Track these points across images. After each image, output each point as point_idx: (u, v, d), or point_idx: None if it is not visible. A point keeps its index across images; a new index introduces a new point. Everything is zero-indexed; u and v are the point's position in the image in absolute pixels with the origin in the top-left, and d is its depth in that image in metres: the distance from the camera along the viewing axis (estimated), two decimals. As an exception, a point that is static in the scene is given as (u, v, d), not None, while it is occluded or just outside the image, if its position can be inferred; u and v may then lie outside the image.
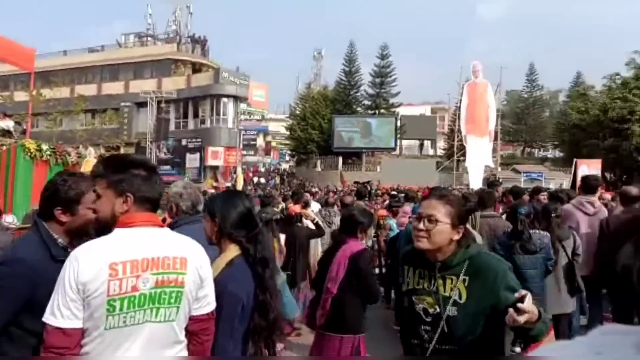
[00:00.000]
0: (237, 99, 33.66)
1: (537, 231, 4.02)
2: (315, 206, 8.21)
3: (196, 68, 35.51)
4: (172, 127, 31.95)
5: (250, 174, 38.16)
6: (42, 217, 1.83)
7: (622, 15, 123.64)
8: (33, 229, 1.85)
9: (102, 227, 1.60)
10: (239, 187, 28.13)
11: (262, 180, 40.73)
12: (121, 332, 1.44)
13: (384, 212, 7.57)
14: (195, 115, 33.46)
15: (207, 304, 1.66)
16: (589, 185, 5.14)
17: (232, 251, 1.92)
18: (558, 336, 4.50)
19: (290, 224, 5.88)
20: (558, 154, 42.82)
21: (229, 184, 31.59)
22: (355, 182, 22.15)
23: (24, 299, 1.61)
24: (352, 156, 39.16)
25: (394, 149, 40.09)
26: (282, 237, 5.64)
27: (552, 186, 27.95)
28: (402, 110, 42.06)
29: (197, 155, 32.17)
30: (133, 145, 32.06)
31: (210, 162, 32.11)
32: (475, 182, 28.37)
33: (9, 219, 5.15)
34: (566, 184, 23.71)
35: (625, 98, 22.51)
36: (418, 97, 75.53)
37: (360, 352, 3.15)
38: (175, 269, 1.53)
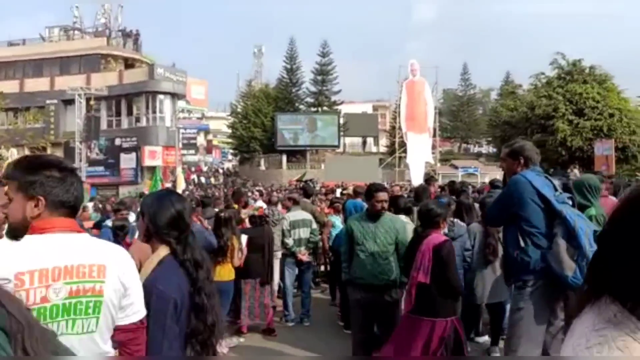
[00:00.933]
0: (174, 96, 32.37)
1: (457, 220, 4.40)
2: (259, 204, 8.01)
3: (128, 63, 33.78)
4: (103, 125, 30.11)
5: (193, 174, 37.05)
6: None
7: (546, 16, 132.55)
8: None
9: (19, 233, 1.49)
10: (180, 187, 27.10)
11: (203, 179, 39.74)
12: None
13: (330, 210, 7.51)
14: (130, 113, 31.80)
15: (134, 313, 1.57)
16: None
17: (163, 251, 1.86)
18: (494, 323, 4.63)
19: (255, 224, 5.78)
20: (491, 149, 45.14)
21: (168, 185, 30.42)
22: (298, 180, 22.07)
23: None
24: (296, 154, 39.09)
25: (337, 146, 40.43)
26: (244, 237, 5.37)
27: (487, 180, 29.36)
28: (344, 108, 42.54)
29: (133, 155, 30.59)
30: (61, 146, 29.95)
31: (148, 162, 30.63)
32: (417, 178, 29.17)
33: None
34: (499, 177, 25.01)
35: (550, 96, 24.04)
36: (359, 95, 76.86)
37: (459, 333, 3.30)
38: (92, 277, 1.46)
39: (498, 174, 29.22)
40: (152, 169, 31.33)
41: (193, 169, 40.53)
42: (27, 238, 1.44)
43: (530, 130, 24.33)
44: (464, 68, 47.94)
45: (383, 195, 3.81)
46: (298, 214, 6.08)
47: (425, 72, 34.95)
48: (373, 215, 3.82)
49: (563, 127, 22.80)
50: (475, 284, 4.44)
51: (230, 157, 51.11)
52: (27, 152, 23.28)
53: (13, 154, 10.94)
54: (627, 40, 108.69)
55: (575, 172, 17.83)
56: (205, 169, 46.18)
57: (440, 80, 38.98)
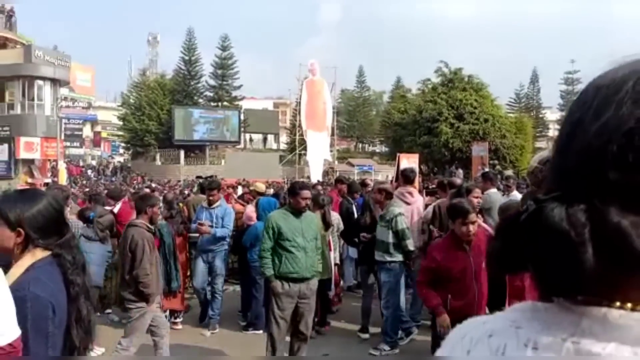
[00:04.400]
0: (55, 82, 29.22)
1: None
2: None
3: (0, 43, 29.89)
4: (-32, 111, 26.41)
5: (81, 169, 33.95)
6: None
7: (434, 24, 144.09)
8: None
9: None
10: (62, 182, 24.77)
11: (90, 173, 36.67)
12: None
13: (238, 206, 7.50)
14: (1, 100, 28.15)
15: (2, 335, 1.38)
16: (407, 177, 5.92)
17: (31, 257, 1.64)
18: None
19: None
20: (384, 148, 48.01)
21: (48, 180, 27.56)
22: (198, 177, 21.47)
23: None
24: (195, 149, 37.85)
25: (238, 142, 39.96)
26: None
27: (380, 177, 31.31)
28: (245, 104, 42.13)
29: (6, 146, 27.16)
30: None
31: (24, 154, 27.39)
32: (316, 174, 29.99)
33: None
34: (391, 175, 26.82)
35: (435, 101, 26.41)
36: (260, 91, 76.48)
37: None
38: None
39: (390, 172, 31.32)
40: (29, 162, 28.16)
41: (81, 162, 37.17)
42: None
43: (419, 132, 26.50)
44: (359, 70, 50.42)
45: (307, 193, 4.04)
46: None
47: (325, 71, 36.07)
48: (296, 212, 4.01)
49: (446, 130, 25.23)
50: None
51: (121, 150, 47.67)
52: None
53: None
54: (500, 50, 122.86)
55: (459, 172, 19.98)
56: (94, 162, 42.61)
57: (339, 80, 40.54)
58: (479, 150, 21.90)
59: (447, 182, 5.87)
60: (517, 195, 5.90)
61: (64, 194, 5.11)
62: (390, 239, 4.76)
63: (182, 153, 35.90)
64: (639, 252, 0.38)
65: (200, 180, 11.95)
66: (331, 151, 35.86)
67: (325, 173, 32.68)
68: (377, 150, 48.51)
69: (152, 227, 4.15)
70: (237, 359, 4.70)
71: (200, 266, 5.72)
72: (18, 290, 1.46)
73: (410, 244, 4.78)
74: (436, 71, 28.62)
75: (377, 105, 53.15)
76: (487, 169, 19.46)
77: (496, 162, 24.62)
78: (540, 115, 50.84)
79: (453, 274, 3.29)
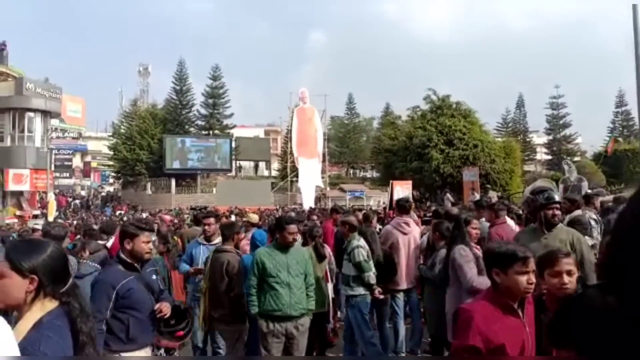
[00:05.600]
0: (46, 113, 29.26)
1: None
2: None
3: (-8, 76, 29.98)
4: (-43, 144, 26.18)
5: (69, 199, 33.56)
6: None
7: (419, 55, 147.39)
8: None
9: None
10: (51, 215, 24.45)
11: (78, 202, 36.18)
12: None
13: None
14: (-9, 132, 28.01)
15: None
16: (402, 207, 5.94)
17: (40, 309, 1.61)
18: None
19: None
20: (375, 174, 48.22)
21: (37, 212, 27.21)
22: (192, 208, 21.34)
23: None
24: (186, 178, 37.73)
25: (229, 170, 39.95)
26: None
27: (372, 202, 31.39)
28: (236, 132, 42.37)
29: (-6, 178, 26.87)
30: None
31: (12, 186, 27.10)
32: (308, 201, 29.98)
33: None
34: (383, 201, 26.85)
35: (425, 127, 26.78)
36: (251, 119, 77.02)
37: None
38: None
39: (381, 197, 31.41)
40: (18, 194, 27.81)
41: (70, 191, 36.78)
42: None
43: (409, 158, 26.74)
44: (349, 97, 51.13)
45: (294, 228, 3.97)
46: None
47: (315, 99, 36.58)
48: (283, 247, 3.97)
49: (436, 155, 25.50)
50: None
51: (111, 180, 47.32)
52: None
53: None
54: (486, 76, 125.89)
55: (448, 196, 20.10)
56: (83, 193, 42.17)
57: (329, 107, 41.11)
58: (469, 175, 22.08)
59: (443, 212, 5.88)
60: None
61: (65, 230, 5.06)
62: (352, 271, 4.74)
63: (173, 182, 35.75)
64: None
65: (195, 212, 11.82)
66: (323, 177, 35.98)
67: (318, 199, 32.69)
68: (369, 176, 48.74)
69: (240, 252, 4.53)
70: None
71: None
72: (28, 349, 1.44)
73: (370, 277, 4.71)
74: (425, 98, 29.17)
75: (367, 132, 53.71)
76: (477, 195, 19.70)
77: (489, 186, 24.81)
78: (527, 139, 51.64)
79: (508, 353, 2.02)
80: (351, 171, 50.38)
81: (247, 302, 3.99)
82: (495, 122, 51.07)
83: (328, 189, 37.19)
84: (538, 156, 53.86)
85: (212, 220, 5.16)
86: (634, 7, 10.04)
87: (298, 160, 33.68)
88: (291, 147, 35.23)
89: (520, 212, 7.05)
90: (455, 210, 5.80)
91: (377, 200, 31.93)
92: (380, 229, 6.97)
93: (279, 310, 3.83)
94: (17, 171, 27.01)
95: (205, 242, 5.11)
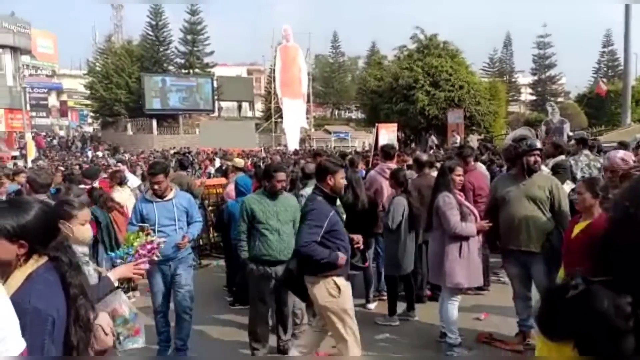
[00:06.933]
0: (15, 50, 27.89)
1: None
2: (134, 181, 7.55)
3: (-47, 8, 27.98)
4: None
5: (48, 139, 32.76)
6: None
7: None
8: None
9: None
10: (31, 156, 23.95)
11: (55, 142, 35.40)
12: None
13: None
14: (-43, 70, 26.66)
15: (8, 349, 1.36)
16: (387, 153, 5.96)
17: (29, 265, 1.64)
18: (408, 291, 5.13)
19: None
20: (360, 115, 47.90)
21: (15, 153, 26.61)
22: (176, 153, 21.05)
23: None
24: (168, 118, 36.91)
25: (212, 110, 39.15)
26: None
27: (357, 144, 31.41)
28: (217, 71, 41.06)
29: (-34, 119, 25.96)
30: None
31: (-13, 127, 26.31)
32: (293, 142, 29.86)
33: None
34: (368, 142, 26.85)
35: (411, 68, 26.23)
36: (233, 57, 74.30)
37: None
38: None
39: (366, 139, 31.39)
40: (-7, 135, 27.02)
41: (46, 133, 35.84)
42: None
43: (395, 99, 26.40)
44: (334, 36, 49.50)
45: (282, 176, 3.98)
46: None
47: (298, 37, 35.32)
48: (272, 194, 4.00)
49: (422, 97, 25.19)
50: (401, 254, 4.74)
51: (90, 120, 46.10)
52: None
53: None
54: (472, 16, 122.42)
55: (432, 139, 20.18)
56: (62, 133, 41.16)
57: (313, 46, 39.87)
58: (454, 117, 22.05)
59: (414, 159, 5.90)
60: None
61: (51, 178, 4.95)
62: None
63: (154, 122, 34.99)
64: None
65: (179, 157, 11.64)
66: (307, 118, 35.59)
67: (302, 140, 32.52)
68: (354, 117, 48.43)
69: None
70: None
71: (159, 282, 4.10)
72: (19, 303, 1.46)
73: None
74: (412, 37, 28.32)
75: (352, 71, 52.66)
76: (458, 137, 19.75)
77: (473, 128, 24.88)
78: (513, 80, 51.36)
79: None
80: (336, 112, 49.90)
81: (237, 247, 4.10)
82: (482, 63, 50.46)
83: (313, 130, 36.97)
84: (522, 97, 53.88)
85: (161, 177, 4.05)
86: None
87: (282, 101, 33.08)
88: (275, 87, 34.46)
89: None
90: (424, 156, 5.83)
91: (361, 142, 31.94)
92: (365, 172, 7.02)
93: (268, 255, 3.95)
94: (-10, 111, 26.05)
95: (156, 199, 4.09)
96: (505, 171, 5.14)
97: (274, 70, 35.33)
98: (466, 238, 3.98)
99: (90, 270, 2.48)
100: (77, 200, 2.63)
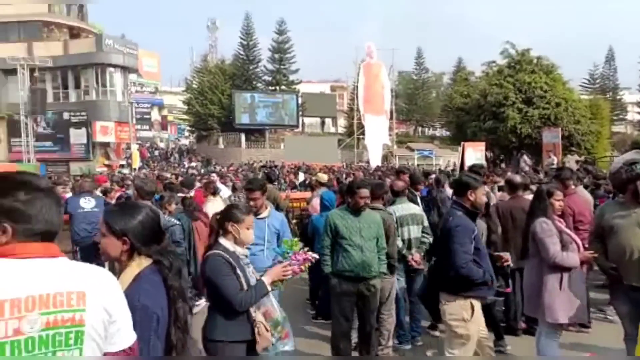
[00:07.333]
0: (125, 69, 30.95)
1: None
2: (225, 192, 7.98)
3: (74, 33, 31.81)
4: (50, 98, 28.43)
5: (148, 153, 35.92)
6: None
7: (496, 8, 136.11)
8: None
9: None
10: (135, 165, 26.36)
11: (157, 154, 38.43)
12: None
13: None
14: (77, 86, 30.10)
15: (122, 340, 1.46)
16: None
17: (137, 265, 1.82)
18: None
19: None
20: (445, 132, 46.57)
21: (122, 162, 29.42)
22: (263, 166, 21.96)
23: None
24: (255, 133, 38.71)
25: (296, 126, 40.36)
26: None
27: (442, 162, 30.51)
28: (302, 88, 42.38)
29: (84, 130, 29.20)
30: (4, 120, 28.13)
31: (100, 138, 29.38)
32: (375, 159, 29.79)
33: None
34: (453, 161, 25.95)
35: (501, 85, 25.10)
36: (316, 74, 76.35)
37: None
38: (71, 306, 1.33)
39: (451, 157, 30.42)
40: (105, 145, 30.17)
41: (147, 145, 39.26)
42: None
43: (483, 117, 25.38)
44: (418, 52, 48.84)
45: (365, 192, 3.97)
46: (406, 208, 4.78)
47: (382, 54, 35.39)
48: (355, 210, 4.00)
49: (513, 115, 23.96)
50: None
51: (187, 133, 49.80)
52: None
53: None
54: (569, 30, 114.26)
55: (525, 159, 18.99)
56: (162, 145, 44.88)
57: (396, 62, 39.73)
58: (550, 136, 20.58)
59: (506, 181, 5.49)
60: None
61: (155, 186, 5.42)
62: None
63: (243, 136, 36.88)
64: None
65: (266, 170, 12.10)
66: (390, 135, 35.34)
67: (384, 157, 32.32)
68: (438, 134, 47.23)
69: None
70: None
71: None
72: (129, 300, 1.56)
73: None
74: (502, 53, 27.16)
75: (437, 88, 51.53)
76: (555, 158, 18.33)
77: (573, 149, 23.04)
78: (618, 98, 46.97)
79: None
80: (419, 129, 49.01)
81: (320, 261, 4.04)
82: (581, 79, 46.81)
83: (395, 147, 36.58)
84: (629, 116, 49.00)
85: (257, 194, 4.00)
86: None
87: (364, 117, 33.23)
88: (357, 104, 34.75)
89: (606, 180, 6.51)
90: (518, 178, 5.40)
91: (446, 160, 30.98)
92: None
93: (350, 272, 3.93)
94: (103, 123, 29.17)
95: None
96: (612, 197, 4.70)
97: (357, 86, 35.68)
98: (567, 269, 3.66)
99: (250, 272, 2.72)
100: (245, 207, 2.88)
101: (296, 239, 3.17)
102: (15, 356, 1.26)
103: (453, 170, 14.35)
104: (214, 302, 2.71)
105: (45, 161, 26.06)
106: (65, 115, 29.21)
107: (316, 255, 3.18)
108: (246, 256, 2.75)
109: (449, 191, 7.14)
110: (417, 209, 4.90)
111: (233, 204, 3.06)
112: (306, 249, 3.10)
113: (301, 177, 13.81)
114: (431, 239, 4.82)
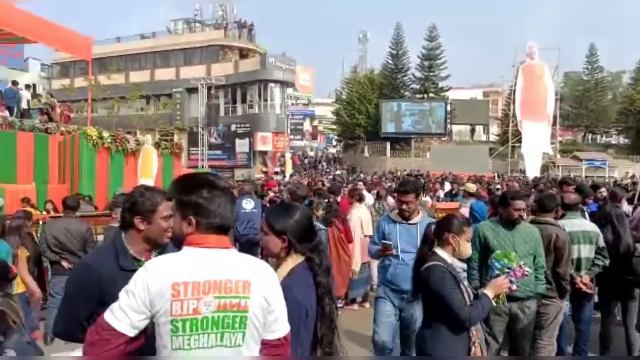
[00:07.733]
0: (283, 84, 33.78)
1: None
2: (369, 199, 8.01)
3: (243, 53, 35.79)
4: (221, 112, 32.52)
5: (299, 161, 38.47)
6: (122, 227, 2.03)
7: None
8: (110, 240, 2.10)
9: (179, 244, 1.63)
10: (288, 172, 28.45)
11: (306, 161, 40.73)
12: (189, 355, 1.45)
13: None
14: (244, 101, 33.90)
15: (278, 329, 1.58)
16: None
17: (292, 261, 1.94)
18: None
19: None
20: (622, 140, 40.09)
21: (277, 169, 32.04)
22: (409, 175, 21.71)
23: (95, 299, 1.81)
24: (401, 142, 38.50)
25: (444, 134, 39.00)
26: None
27: (617, 174, 26.28)
28: (452, 94, 40.77)
29: (247, 140, 32.70)
30: (185, 132, 33.01)
31: (260, 147, 32.60)
32: (532, 169, 27.20)
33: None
34: (632, 172, 22.08)
35: None
36: (469, 80, 72.68)
37: None
38: (238, 292, 1.48)
39: (630, 169, 26.06)
40: (263, 154, 33.28)
41: (299, 153, 42.02)
42: (184, 250, 1.52)
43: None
44: (590, 49, 42.71)
45: (520, 204, 3.58)
46: (577, 224, 4.20)
47: (545, 54, 32.13)
48: (508, 223, 3.63)
49: None
50: None
51: (334, 142, 52.05)
52: (157, 136, 26.08)
53: (148, 140, 12.30)
54: None
55: None
56: (312, 154, 47.66)
57: (562, 62, 35.42)
58: None
59: None
60: None
61: (306, 190, 5.83)
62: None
63: (388, 145, 36.99)
64: None
65: (411, 179, 11.84)
66: (552, 143, 31.88)
67: (545, 168, 29.19)
68: (613, 142, 40.82)
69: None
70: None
71: (386, 311, 3.69)
72: (283, 292, 1.66)
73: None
74: None
75: (613, 89, 44.63)
76: None
77: None
78: None
79: None
80: (589, 136, 42.92)
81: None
82: None
83: (558, 156, 32.79)
84: None
85: (411, 196, 3.72)
86: None
87: (522, 124, 30.64)
88: (514, 109, 32.10)
89: None
90: None
91: (623, 172, 26.60)
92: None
93: None
94: (262, 134, 32.31)
95: (402, 220, 3.75)
96: None
97: (514, 91, 33.03)
98: None
99: (465, 284, 2.73)
100: (463, 220, 2.79)
101: (514, 253, 2.96)
102: (192, 332, 1.44)
103: (635, 183, 12.19)
104: (433, 314, 2.63)
105: (215, 168, 29.80)
106: (233, 127, 33.10)
107: (530, 270, 3.05)
108: (463, 270, 2.73)
109: (627, 207, 6.08)
110: (591, 226, 4.29)
111: (452, 215, 2.98)
112: (522, 262, 2.93)
113: (447, 187, 13.18)
114: (607, 262, 4.14)
